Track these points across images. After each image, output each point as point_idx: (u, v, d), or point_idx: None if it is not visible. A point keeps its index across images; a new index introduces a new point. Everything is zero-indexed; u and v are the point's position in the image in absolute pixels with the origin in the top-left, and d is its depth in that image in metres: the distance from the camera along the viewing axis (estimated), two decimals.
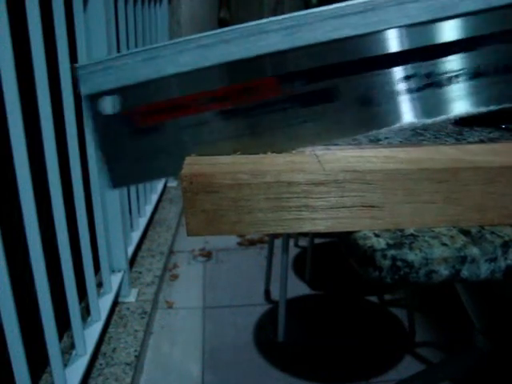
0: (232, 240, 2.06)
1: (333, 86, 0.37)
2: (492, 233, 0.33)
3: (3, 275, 0.77)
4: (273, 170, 0.33)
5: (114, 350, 1.22)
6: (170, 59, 0.36)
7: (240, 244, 2.05)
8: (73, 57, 1.04)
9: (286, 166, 0.34)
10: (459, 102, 0.38)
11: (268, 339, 1.44)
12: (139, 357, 1.22)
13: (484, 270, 0.31)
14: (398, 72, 0.37)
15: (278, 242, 1.69)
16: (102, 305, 1.24)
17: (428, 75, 0.37)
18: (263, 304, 1.62)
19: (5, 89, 0.77)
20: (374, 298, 1.65)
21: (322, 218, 0.34)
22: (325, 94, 0.37)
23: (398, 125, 0.38)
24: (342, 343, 1.42)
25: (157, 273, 1.64)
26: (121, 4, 1.50)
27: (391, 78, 0.37)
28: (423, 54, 0.36)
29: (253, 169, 0.34)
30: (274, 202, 0.33)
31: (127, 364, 1.17)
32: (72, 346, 1.10)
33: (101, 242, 1.26)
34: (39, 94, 0.88)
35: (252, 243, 2.05)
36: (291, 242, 1.95)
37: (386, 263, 0.31)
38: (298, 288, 1.69)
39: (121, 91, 0.37)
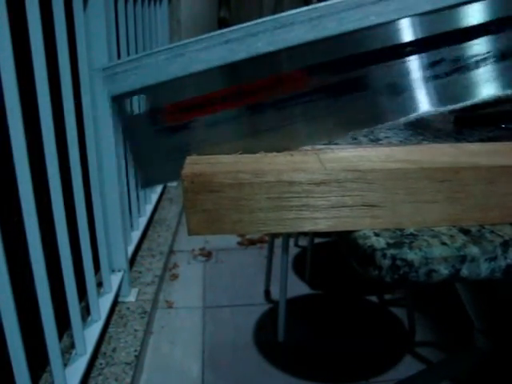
0: (232, 240, 2.06)
1: (361, 76, 0.37)
2: (492, 232, 0.33)
3: (3, 275, 0.77)
4: (274, 169, 0.33)
5: (113, 349, 1.22)
6: (195, 56, 0.36)
7: (240, 244, 2.05)
8: (73, 57, 1.04)
9: (287, 165, 0.35)
10: (487, 85, 0.37)
11: (268, 339, 1.44)
12: (139, 356, 1.22)
13: (484, 269, 0.31)
14: (425, 58, 0.36)
15: (277, 242, 1.69)
16: (101, 304, 1.24)
17: (455, 60, 0.36)
18: (263, 304, 1.62)
19: (5, 88, 0.77)
20: (373, 298, 1.65)
21: (323, 218, 0.34)
22: (353, 83, 0.37)
23: (426, 110, 0.37)
24: (341, 343, 1.42)
25: (157, 272, 1.64)
26: (121, 4, 1.50)
27: (419, 64, 0.36)
28: (449, 39, 0.36)
29: (254, 168, 0.34)
30: (275, 202, 0.33)
31: (127, 364, 1.17)
32: (72, 345, 1.10)
33: (101, 241, 1.26)
34: (39, 94, 0.88)
35: (252, 243, 2.05)
36: (291, 242, 1.95)
37: (386, 262, 0.31)
38: (297, 288, 1.69)
39: (147, 90, 0.37)
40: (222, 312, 1.59)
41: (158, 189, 2.26)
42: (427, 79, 0.37)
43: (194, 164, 0.35)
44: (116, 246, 1.40)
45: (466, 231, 0.33)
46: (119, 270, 1.43)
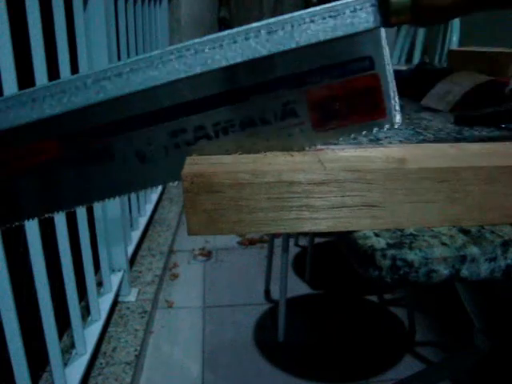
0: (232, 239, 2.06)
1: (109, 145, 0.37)
2: (492, 232, 0.33)
3: (3, 275, 0.77)
4: (274, 169, 0.33)
5: (114, 349, 1.22)
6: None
7: (240, 243, 2.05)
8: (73, 57, 1.04)
9: (287, 165, 0.35)
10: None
11: (268, 339, 1.44)
12: (139, 356, 1.22)
13: (484, 269, 0.31)
14: (169, 127, 0.37)
15: (277, 242, 1.69)
16: (102, 304, 1.25)
17: (198, 128, 0.37)
18: (263, 303, 1.62)
19: (5, 88, 0.77)
20: (374, 298, 1.65)
21: (323, 218, 0.34)
22: (103, 152, 0.37)
23: (177, 183, 0.38)
24: (341, 343, 1.42)
25: (157, 272, 1.64)
26: (121, 4, 1.50)
27: (161, 133, 0.37)
28: (187, 110, 0.37)
29: (254, 168, 0.34)
30: (274, 202, 0.33)
31: (127, 363, 1.17)
32: (72, 345, 1.10)
33: (101, 241, 1.26)
34: None
35: (252, 243, 2.05)
36: (291, 242, 1.95)
37: (386, 263, 0.31)
38: (297, 287, 1.69)
39: None
40: (222, 312, 1.59)
41: (158, 188, 2.26)
42: (171, 148, 0.37)
43: (193, 164, 0.35)
44: (116, 246, 1.40)
45: (465, 231, 0.33)
46: (119, 270, 1.43)
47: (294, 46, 0.35)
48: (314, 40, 0.35)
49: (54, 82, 0.36)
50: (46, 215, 0.39)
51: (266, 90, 0.37)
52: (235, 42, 0.36)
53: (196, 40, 0.36)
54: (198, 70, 0.36)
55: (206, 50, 0.36)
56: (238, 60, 0.36)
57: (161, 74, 0.36)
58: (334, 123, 0.38)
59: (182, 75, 0.36)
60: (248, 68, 0.36)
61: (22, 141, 0.37)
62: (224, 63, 0.36)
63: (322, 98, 0.37)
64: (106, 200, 0.39)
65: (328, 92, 0.37)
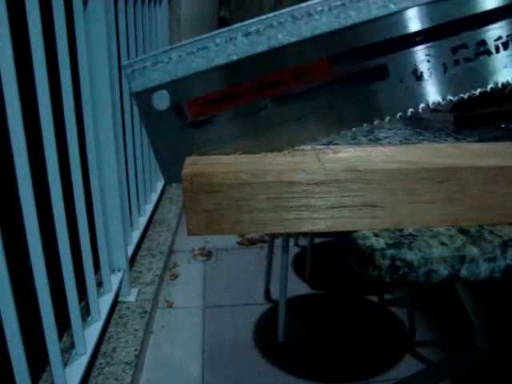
0: (232, 239, 2.06)
1: (383, 64, 0.36)
2: (491, 232, 0.33)
3: (3, 275, 0.77)
4: (273, 169, 0.33)
5: (113, 349, 1.22)
6: (217, 49, 0.36)
7: (240, 243, 2.05)
8: (73, 57, 1.05)
9: (287, 165, 0.35)
10: (508, 69, 0.37)
11: (268, 339, 1.44)
12: (139, 356, 1.22)
13: (483, 269, 0.31)
14: (447, 44, 0.36)
15: (278, 242, 1.69)
16: (101, 304, 1.24)
17: (478, 44, 0.36)
18: (263, 303, 1.62)
19: (5, 89, 0.77)
20: (374, 298, 1.65)
21: (323, 218, 0.34)
22: (376, 71, 0.37)
23: (448, 98, 0.37)
24: (341, 343, 1.42)
25: (157, 272, 1.64)
26: (121, 4, 1.50)
27: (441, 50, 0.36)
28: (469, 24, 0.36)
29: (254, 168, 0.34)
30: (274, 202, 0.33)
31: (127, 363, 1.17)
32: (72, 345, 1.10)
33: (101, 241, 1.26)
34: (39, 94, 0.88)
35: (252, 243, 2.05)
36: (291, 242, 1.95)
37: (385, 263, 0.31)
38: (297, 287, 1.69)
39: (170, 86, 0.36)
40: (222, 312, 1.59)
41: (158, 188, 2.26)
42: (450, 64, 0.37)
43: (193, 164, 0.35)
44: (116, 246, 1.40)
45: (465, 231, 0.33)
46: (119, 270, 1.43)
47: None
48: None
49: None
50: (330, 137, 0.38)
51: None
52: None
53: None
54: None
55: None
56: None
57: None
58: None
59: None
60: None
61: (298, 59, 0.36)
62: None
63: None
64: (389, 117, 0.38)
65: None
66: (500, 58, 0.37)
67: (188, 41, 0.36)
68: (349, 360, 1.35)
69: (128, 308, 1.41)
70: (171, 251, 1.94)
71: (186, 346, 1.41)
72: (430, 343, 1.41)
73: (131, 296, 1.46)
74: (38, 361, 1.04)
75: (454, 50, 0.36)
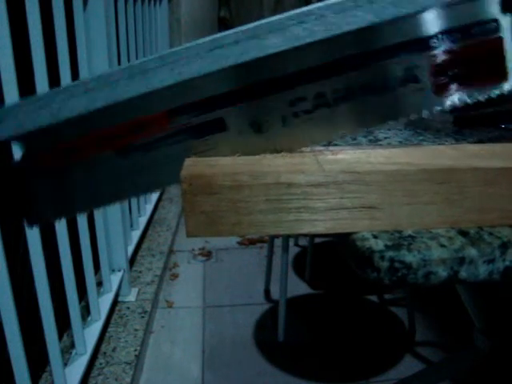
0: (232, 239, 2.06)
1: (220, 117, 0.37)
2: (490, 234, 0.33)
3: (3, 275, 0.77)
4: (272, 171, 0.33)
5: (113, 349, 1.22)
6: (60, 105, 0.36)
7: (240, 243, 2.05)
8: (73, 57, 1.04)
9: (286, 167, 0.35)
10: (346, 122, 0.38)
11: (268, 339, 1.44)
12: (139, 356, 1.22)
13: (482, 271, 0.31)
14: (284, 96, 0.36)
15: (277, 242, 1.69)
16: (101, 304, 1.25)
17: (318, 95, 0.36)
18: (263, 303, 1.62)
19: (5, 89, 0.77)
20: (374, 298, 1.65)
21: (322, 220, 0.34)
22: (214, 124, 0.37)
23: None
24: (341, 343, 1.42)
25: (157, 272, 1.64)
26: (121, 4, 1.50)
27: (277, 103, 0.37)
28: (305, 78, 0.36)
29: (252, 170, 0.34)
30: (273, 204, 0.33)
31: (127, 363, 1.17)
32: (72, 345, 1.10)
33: (101, 241, 1.26)
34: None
35: (252, 243, 2.05)
36: (291, 242, 1.95)
37: (384, 264, 0.31)
38: (297, 287, 1.69)
39: (23, 137, 0.38)
40: (222, 311, 1.59)
41: None
42: (289, 116, 0.37)
43: (192, 166, 0.35)
44: (116, 246, 1.40)
45: (464, 233, 0.33)
46: (119, 270, 1.43)
47: (419, 9, 0.34)
48: (439, 3, 0.34)
49: (163, 52, 0.35)
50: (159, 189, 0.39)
51: (389, 55, 0.36)
52: (358, 6, 0.34)
53: (319, 4, 0.34)
54: (320, 36, 0.34)
55: (330, 15, 0.34)
56: (362, 25, 0.34)
57: (279, 41, 0.35)
58: (454, 87, 0.37)
59: (304, 41, 0.34)
60: (372, 32, 0.35)
61: (131, 114, 0.36)
62: (346, 28, 0.34)
63: (445, 62, 0.36)
64: None
65: (451, 56, 0.36)
66: (340, 110, 0.37)
67: (36, 96, 0.37)
68: (349, 360, 1.35)
69: (128, 308, 1.41)
70: (171, 251, 1.94)
71: (186, 346, 1.41)
72: (429, 343, 1.41)
73: (131, 296, 1.47)
74: (38, 361, 1.04)
75: (292, 103, 0.37)
